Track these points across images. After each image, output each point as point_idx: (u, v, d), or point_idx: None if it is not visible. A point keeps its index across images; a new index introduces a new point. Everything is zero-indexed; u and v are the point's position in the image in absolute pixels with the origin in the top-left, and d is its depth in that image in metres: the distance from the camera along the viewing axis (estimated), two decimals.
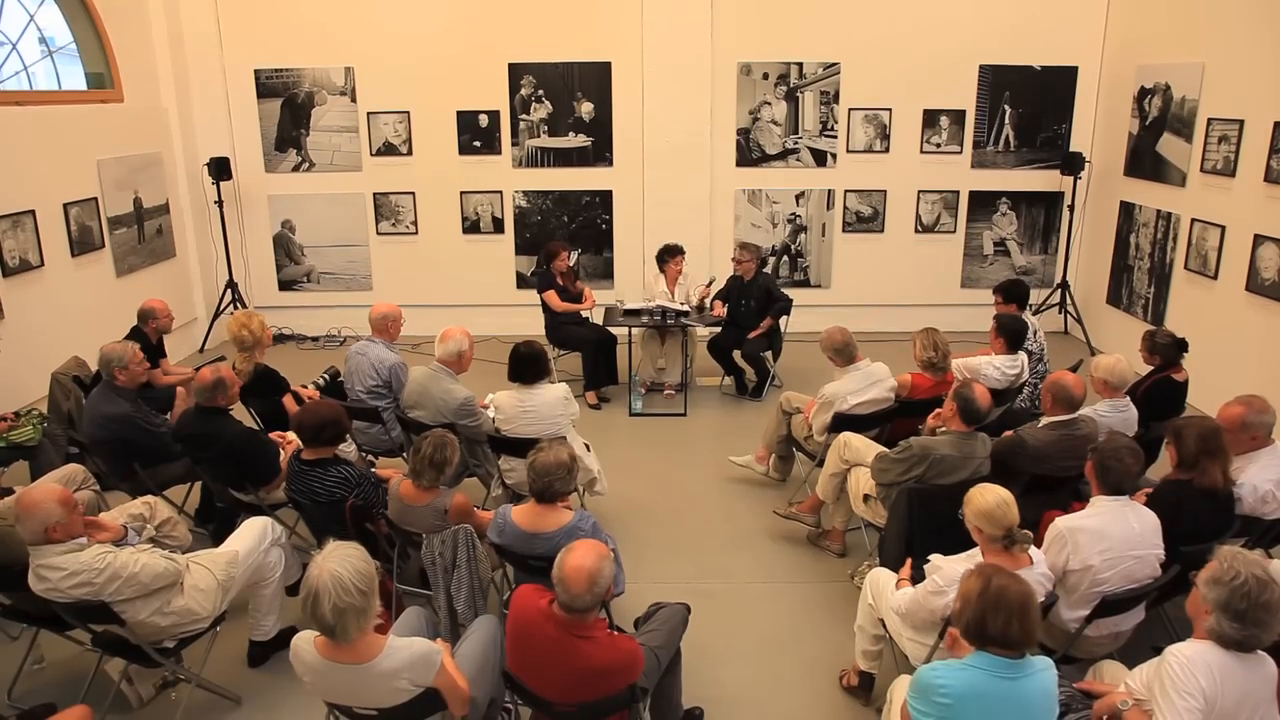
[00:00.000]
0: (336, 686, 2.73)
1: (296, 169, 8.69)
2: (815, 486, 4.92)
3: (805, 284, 8.92)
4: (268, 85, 8.47)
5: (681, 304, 7.04)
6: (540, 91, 8.51)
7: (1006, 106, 8.51)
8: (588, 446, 4.95)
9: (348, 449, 4.69)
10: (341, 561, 2.57)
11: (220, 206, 8.35)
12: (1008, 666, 2.45)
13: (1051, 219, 8.78)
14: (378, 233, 8.85)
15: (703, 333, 7.49)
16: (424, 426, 4.52)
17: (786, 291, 7.26)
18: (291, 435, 4.51)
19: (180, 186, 8.27)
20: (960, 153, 8.63)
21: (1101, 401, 4.50)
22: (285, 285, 8.99)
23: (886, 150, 8.64)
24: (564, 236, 8.63)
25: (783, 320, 7.18)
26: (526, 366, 4.71)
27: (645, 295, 7.31)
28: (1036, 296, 8.24)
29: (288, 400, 5.14)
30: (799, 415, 5.32)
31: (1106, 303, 8.37)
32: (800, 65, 8.47)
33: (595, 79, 8.46)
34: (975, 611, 2.48)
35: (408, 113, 8.54)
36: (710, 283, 7.37)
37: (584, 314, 7.34)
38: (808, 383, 6.29)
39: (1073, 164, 8.21)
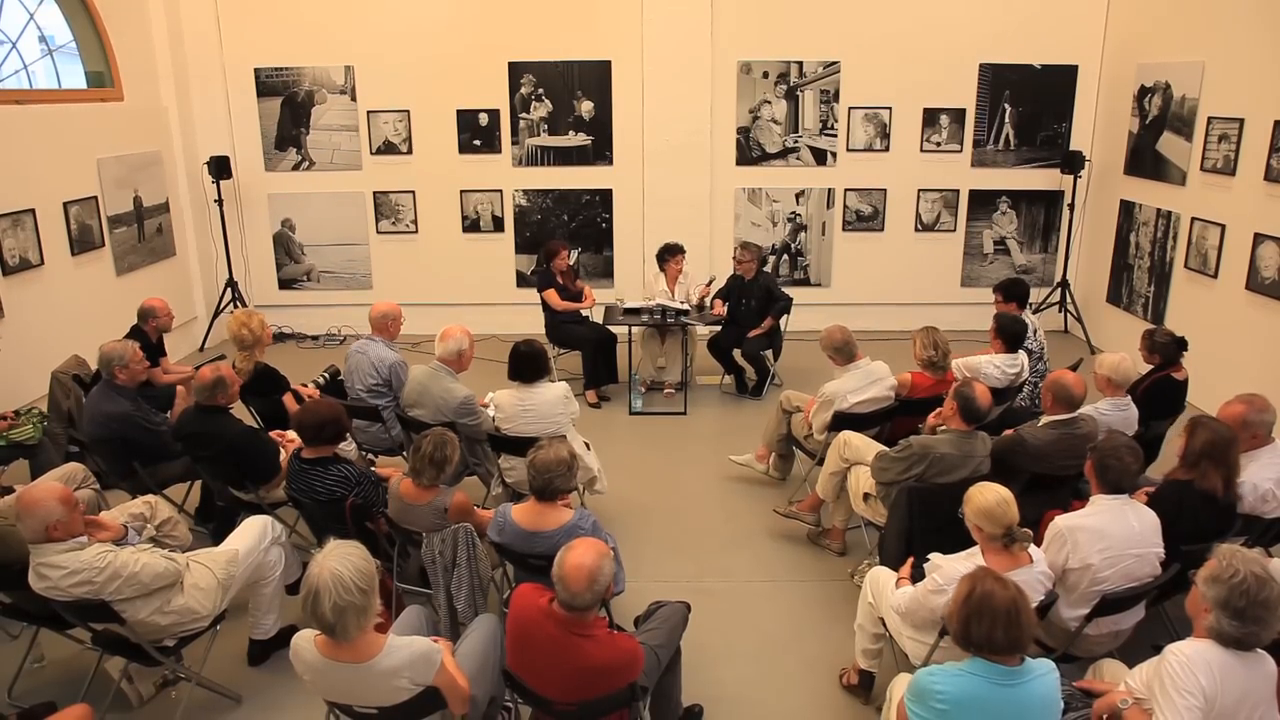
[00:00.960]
0: (337, 685, 2.73)
1: (296, 168, 8.68)
2: (815, 485, 4.92)
3: (805, 283, 8.92)
4: (268, 84, 8.47)
5: (681, 303, 7.04)
6: (540, 90, 8.50)
7: (1006, 105, 8.51)
8: (588, 445, 4.96)
9: (348, 448, 4.69)
10: (342, 560, 2.57)
11: (220, 205, 8.35)
12: (1004, 673, 2.44)
13: (1051, 218, 8.78)
14: (378, 231, 8.85)
15: (703, 331, 7.49)
16: (424, 425, 4.52)
17: (786, 290, 7.26)
18: (291, 434, 4.51)
19: (180, 185, 8.27)
20: (960, 151, 8.62)
21: (1103, 400, 4.51)
22: (285, 284, 8.99)
23: (886, 149, 8.64)
24: (564, 235, 8.63)
25: (783, 319, 7.18)
26: (526, 365, 4.71)
27: (645, 294, 7.32)
28: (1036, 295, 8.24)
29: (288, 399, 5.14)
30: (799, 414, 5.32)
31: (1106, 301, 8.37)
32: (800, 64, 8.47)
33: (595, 78, 8.46)
34: (961, 617, 2.49)
35: (407, 111, 8.54)
36: (710, 281, 7.37)
37: (584, 313, 7.34)
38: (808, 381, 6.28)
39: (1073, 163, 8.21)
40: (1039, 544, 3.31)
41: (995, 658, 2.45)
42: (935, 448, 4.02)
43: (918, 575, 3.34)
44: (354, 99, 8.51)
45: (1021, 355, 5.23)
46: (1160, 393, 4.83)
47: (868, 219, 8.83)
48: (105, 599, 3.21)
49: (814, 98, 8.55)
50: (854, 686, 3.74)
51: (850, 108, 8.53)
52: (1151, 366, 4.94)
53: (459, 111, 8.52)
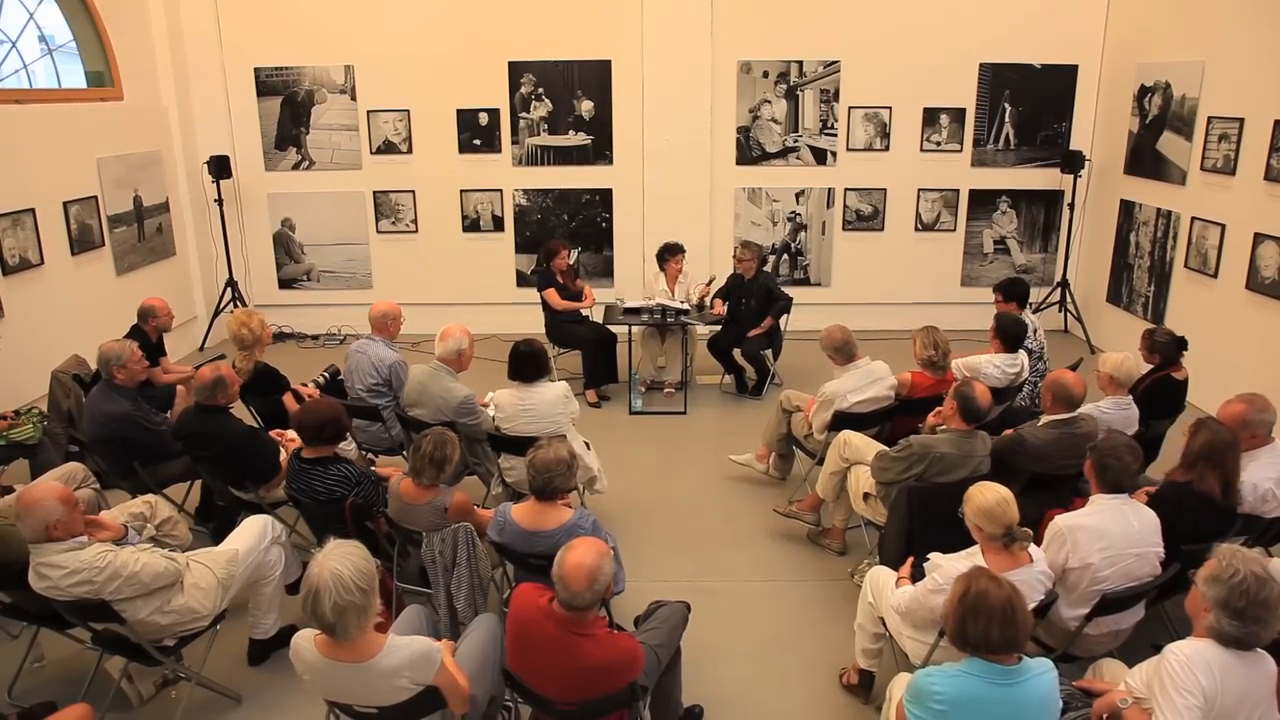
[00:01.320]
0: (337, 685, 2.73)
1: (296, 167, 8.68)
2: (815, 485, 4.92)
3: (805, 282, 8.92)
4: (267, 83, 8.47)
5: (681, 302, 7.04)
6: (540, 89, 8.50)
7: (1007, 105, 8.51)
8: (587, 445, 4.96)
9: (348, 447, 4.69)
10: (342, 560, 2.57)
11: (220, 205, 8.35)
12: (1001, 673, 2.44)
13: (1051, 217, 8.78)
14: (378, 231, 8.85)
15: (703, 331, 7.49)
16: (424, 425, 4.53)
17: (786, 290, 7.26)
18: (291, 433, 4.51)
19: (180, 185, 8.27)
20: (960, 151, 8.62)
21: (1105, 398, 4.51)
22: (285, 284, 8.99)
23: (886, 148, 8.63)
24: (564, 235, 8.63)
25: (783, 319, 7.18)
26: (526, 365, 4.71)
27: (645, 294, 7.31)
28: (1036, 295, 8.23)
29: (288, 399, 5.14)
30: (799, 414, 5.32)
31: (1106, 301, 8.37)
32: (800, 63, 8.47)
33: (595, 77, 8.46)
34: (956, 616, 2.49)
35: (407, 111, 8.54)
36: (710, 281, 7.37)
37: (584, 312, 7.34)
38: (808, 381, 6.29)
39: (1073, 162, 8.21)
40: (1039, 543, 3.31)
41: (992, 657, 2.45)
42: (935, 447, 4.02)
43: (918, 575, 3.34)
44: (354, 98, 8.51)
45: (1021, 355, 5.23)
46: (1160, 392, 4.83)
47: (868, 218, 8.83)
48: (105, 599, 3.21)
49: (814, 97, 8.55)
50: (854, 686, 3.74)
51: (850, 107, 8.53)
52: (1151, 366, 4.95)
53: (459, 111, 8.52)
